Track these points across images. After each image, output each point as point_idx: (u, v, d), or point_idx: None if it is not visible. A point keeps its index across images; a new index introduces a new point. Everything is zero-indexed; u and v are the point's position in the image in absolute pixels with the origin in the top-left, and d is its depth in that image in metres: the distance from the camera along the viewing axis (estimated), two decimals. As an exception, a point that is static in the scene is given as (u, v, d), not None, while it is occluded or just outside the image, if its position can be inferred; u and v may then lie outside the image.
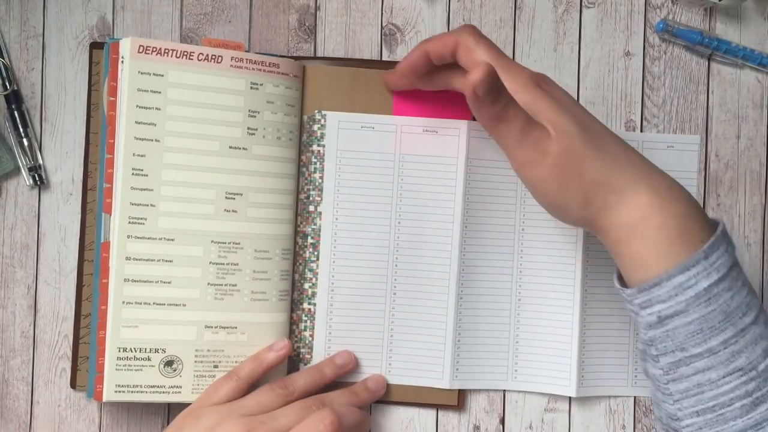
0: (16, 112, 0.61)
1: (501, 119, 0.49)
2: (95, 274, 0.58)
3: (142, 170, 0.57)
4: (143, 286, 0.57)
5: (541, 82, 0.52)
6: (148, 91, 0.56)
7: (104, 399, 0.56)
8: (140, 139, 0.56)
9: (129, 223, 0.56)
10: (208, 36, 0.62)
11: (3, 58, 0.61)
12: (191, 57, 0.57)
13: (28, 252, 0.62)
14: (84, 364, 0.60)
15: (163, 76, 0.57)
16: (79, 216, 0.61)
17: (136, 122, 0.56)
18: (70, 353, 0.61)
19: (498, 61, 0.52)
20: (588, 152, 0.50)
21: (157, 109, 0.57)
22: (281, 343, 0.59)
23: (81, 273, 0.60)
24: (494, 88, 0.47)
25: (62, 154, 0.62)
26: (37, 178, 0.61)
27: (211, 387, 0.57)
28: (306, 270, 0.61)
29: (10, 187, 0.62)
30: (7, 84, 0.61)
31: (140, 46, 0.56)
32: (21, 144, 0.61)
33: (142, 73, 0.56)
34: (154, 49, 0.56)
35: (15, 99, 0.61)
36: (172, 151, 0.57)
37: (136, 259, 0.56)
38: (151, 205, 0.57)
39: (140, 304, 0.57)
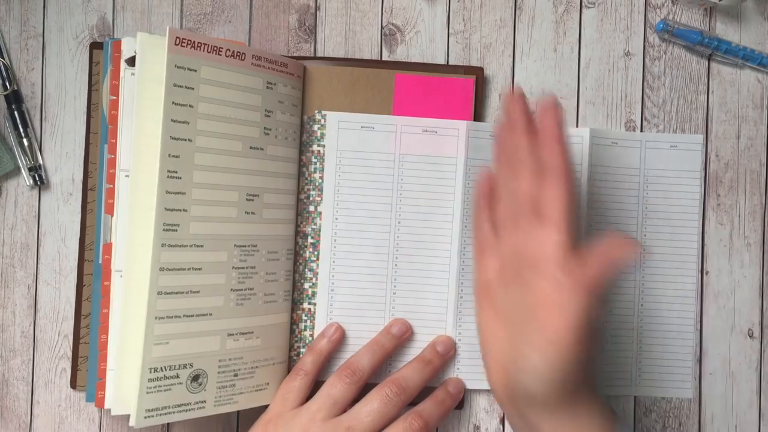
0: (16, 112, 0.61)
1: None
2: (96, 276, 0.57)
3: (176, 172, 0.54)
4: (175, 299, 0.54)
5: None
6: (183, 86, 0.54)
7: (135, 426, 0.53)
8: (175, 138, 0.53)
9: (163, 230, 0.53)
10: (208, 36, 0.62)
11: (3, 58, 0.61)
12: (220, 52, 0.55)
13: (28, 252, 0.62)
14: (84, 365, 0.60)
15: (196, 71, 0.54)
16: (79, 216, 0.61)
17: (172, 120, 0.53)
18: (70, 353, 0.61)
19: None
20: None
21: (190, 106, 0.54)
22: (332, 328, 0.60)
23: (81, 273, 0.60)
24: None
25: (62, 154, 0.62)
26: (37, 178, 0.61)
27: (282, 389, 0.58)
28: (306, 270, 0.61)
29: (10, 187, 0.62)
30: (7, 84, 0.61)
31: (177, 38, 0.53)
32: (21, 144, 0.61)
33: (178, 68, 0.53)
34: (189, 42, 0.54)
35: (15, 99, 0.61)
36: (203, 151, 0.55)
37: (169, 270, 0.53)
38: (184, 210, 0.54)
39: (171, 318, 0.54)
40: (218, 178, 0.55)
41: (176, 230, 0.54)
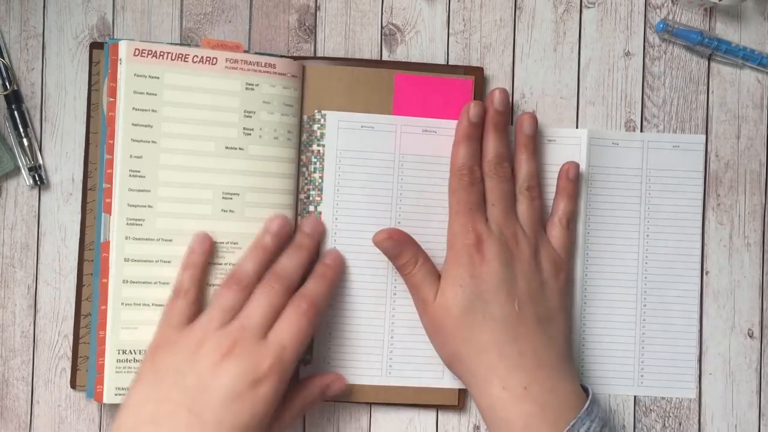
0: (16, 112, 0.61)
1: (401, 271, 0.59)
2: (95, 274, 0.58)
3: (139, 171, 0.57)
4: (142, 288, 0.57)
5: (478, 250, 0.56)
6: (144, 93, 0.57)
7: (105, 401, 0.56)
8: (137, 140, 0.57)
9: (127, 224, 0.57)
10: (207, 36, 0.62)
11: (3, 58, 0.61)
12: (186, 59, 0.57)
13: (28, 252, 0.62)
14: (84, 364, 0.60)
15: (158, 78, 0.57)
16: (79, 216, 0.61)
17: (133, 124, 0.57)
18: (70, 353, 0.61)
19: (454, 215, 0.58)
20: (456, 333, 0.56)
21: (153, 111, 0.57)
22: (198, 238, 0.57)
23: (81, 273, 0.60)
24: (396, 247, 0.58)
25: (62, 154, 0.62)
26: (37, 178, 0.61)
27: (164, 315, 0.55)
28: (306, 270, 0.61)
29: (10, 187, 0.62)
30: (7, 84, 0.61)
31: (136, 49, 0.57)
32: (21, 144, 0.61)
33: (138, 76, 0.57)
34: (150, 52, 0.57)
35: (15, 99, 0.61)
36: (169, 152, 0.57)
37: (135, 261, 0.57)
38: (149, 206, 0.57)
39: (139, 305, 0.57)
40: (188, 177, 0.58)
41: (141, 225, 0.57)
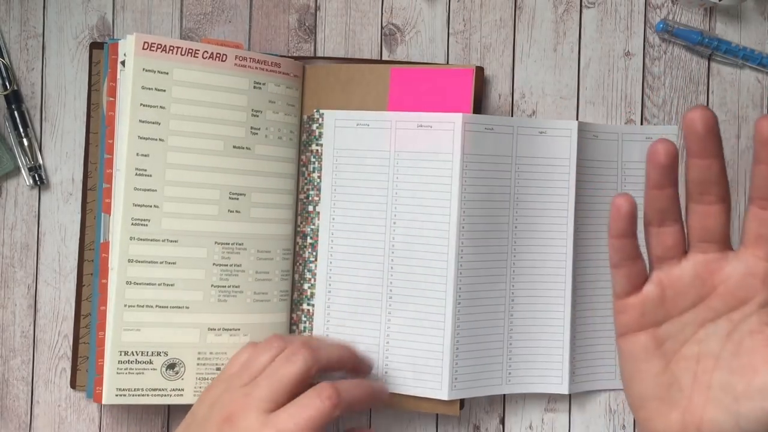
0: (16, 112, 0.61)
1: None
2: (95, 274, 0.58)
3: (145, 170, 0.56)
4: (146, 289, 0.56)
5: None
6: (152, 89, 0.56)
7: (104, 402, 0.56)
8: (144, 138, 0.55)
9: (132, 224, 0.55)
10: (207, 36, 0.62)
11: (3, 58, 0.61)
12: (196, 54, 0.56)
13: (28, 252, 0.62)
14: (84, 364, 0.60)
15: (167, 73, 0.56)
16: (79, 216, 0.61)
17: (140, 121, 0.55)
18: (70, 353, 0.61)
19: None
20: None
21: (161, 107, 0.56)
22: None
23: (81, 273, 0.60)
24: None
25: (62, 154, 0.62)
26: (37, 178, 0.61)
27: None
28: (305, 270, 0.61)
29: (10, 187, 0.62)
30: (7, 84, 0.61)
31: (145, 42, 0.55)
32: (21, 144, 0.61)
33: (146, 71, 0.55)
34: (159, 46, 0.56)
35: (15, 99, 0.61)
36: (176, 150, 0.56)
37: (139, 261, 0.56)
38: (155, 206, 0.56)
39: (142, 306, 0.56)
40: (195, 176, 0.57)
41: (146, 225, 0.56)
